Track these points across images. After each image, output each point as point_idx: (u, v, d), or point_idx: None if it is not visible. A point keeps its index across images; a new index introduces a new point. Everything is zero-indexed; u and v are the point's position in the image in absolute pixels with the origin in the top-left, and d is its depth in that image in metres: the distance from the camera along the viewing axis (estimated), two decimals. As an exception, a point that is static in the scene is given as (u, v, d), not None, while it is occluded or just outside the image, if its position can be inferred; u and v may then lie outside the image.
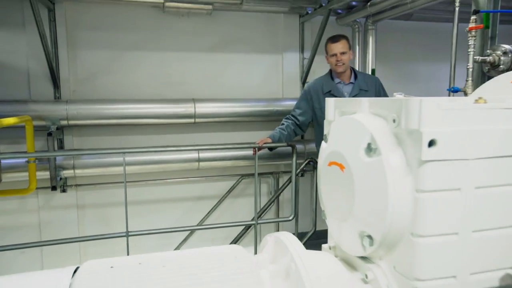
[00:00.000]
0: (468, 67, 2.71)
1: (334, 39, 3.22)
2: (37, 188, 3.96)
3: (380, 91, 3.34)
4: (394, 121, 1.22)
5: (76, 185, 4.43)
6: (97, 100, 4.25)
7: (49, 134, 3.83)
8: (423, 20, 5.15)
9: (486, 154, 1.18)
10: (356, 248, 1.36)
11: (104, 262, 1.25)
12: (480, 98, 1.22)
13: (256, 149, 3.29)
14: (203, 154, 4.42)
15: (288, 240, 1.38)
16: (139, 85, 4.49)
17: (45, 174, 3.95)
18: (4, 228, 4.17)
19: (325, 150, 1.53)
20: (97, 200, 4.51)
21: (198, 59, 4.65)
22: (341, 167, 1.38)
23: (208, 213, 4.82)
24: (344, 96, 3.15)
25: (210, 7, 4.30)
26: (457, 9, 2.91)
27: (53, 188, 3.97)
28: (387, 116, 1.26)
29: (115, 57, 4.44)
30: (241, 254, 1.36)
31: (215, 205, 4.83)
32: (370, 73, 5.06)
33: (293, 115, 3.52)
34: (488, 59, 2.69)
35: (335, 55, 3.19)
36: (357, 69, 3.95)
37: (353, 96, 3.13)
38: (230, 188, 4.86)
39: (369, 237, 1.28)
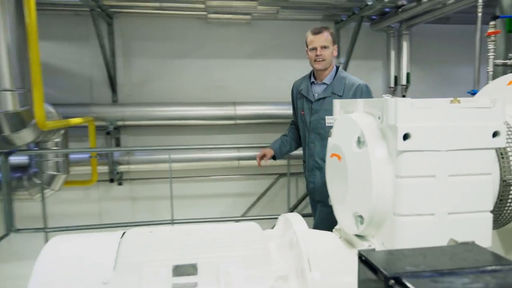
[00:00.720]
0: (488, 70, 2.79)
1: (316, 30, 2.66)
2: (98, 181, 4.48)
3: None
4: (379, 118, 1.44)
5: (130, 179, 4.92)
6: (148, 103, 4.71)
7: (108, 133, 4.32)
8: (461, 23, 5.13)
9: (457, 147, 1.36)
10: (352, 227, 1.59)
11: (145, 229, 1.57)
12: (455, 98, 1.41)
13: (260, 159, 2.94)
14: (243, 153, 4.73)
15: (294, 219, 1.63)
16: (185, 90, 4.90)
17: (105, 168, 4.46)
18: (71, 214, 4.72)
19: (329, 143, 1.76)
20: (147, 193, 4.96)
21: (238, 65, 4.98)
22: (339, 157, 1.61)
23: (248, 209, 5.12)
24: (312, 97, 2.69)
25: (249, 17, 4.62)
26: (479, 14, 3.00)
27: (111, 180, 4.47)
28: (375, 114, 1.48)
29: (164, 64, 4.88)
30: (255, 228, 1.63)
31: (254, 201, 5.13)
32: (404, 77, 5.13)
33: (292, 120, 3.14)
34: (509, 63, 2.76)
35: (315, 49, 2.62)
36: (343, 73, 2.78)
37: (321, 99, 2.65)
38: (269, 186, 5.13)
39: (360, 216, 1.50)
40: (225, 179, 5.07)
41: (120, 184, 4.86)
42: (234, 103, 4.75)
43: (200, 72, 4.93)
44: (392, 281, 0.86)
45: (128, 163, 4.58)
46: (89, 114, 4.35)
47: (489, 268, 0.89)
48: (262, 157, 2.92)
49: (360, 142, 1.48)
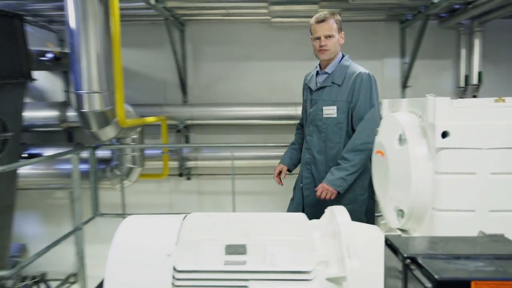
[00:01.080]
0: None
1: (319, 18, 2.44)
2: (169, 175, 4.89)
3: (357, 89, 2.41)
4: (420, 117, 1.50)
5: (198, 175, 5.28)
6: (215, 104, 5.03)
7: (178, 131, 4.71)
8: (542, 17, 4.76)
9: (499, 145, 1.38)
10: (393, 221, 1.66)
11: (204, 213, 1.79)
12: (500, 98, 1.43)
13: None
14: (303, 152, 4.85)
15: (339, 211, 1.74)
16: (248, 91, 5.14)
17: (175, 164, 4.85)
18: (146, 204, 5.18)
19: (375, 141, 1.84)
20: (213, 188, 5.28)
21: (300, 67, 5.09)
22: (382, 154, 1.69)
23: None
24: (315, 86, 2.54)
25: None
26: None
27: (180, 175, 4.85)
28: (417, 113, 1.54)
29: (230, 67, 5.16)
30: (302, 218, 1.77)
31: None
32: (476, 77, 4.88)
33: (298, 123, 2.90)
34: None
35: (319, 38, 2.42)
36: (346, 61, 2.54)
37: (320, 88, 2.49)
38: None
39: (401, 211, 1.57)
40: (286, 177, 5.21)
41: (188, 178, 5.24)
42: (295, 104, 4.88)
43: (263, 74, 5.14)
44: (408, 261, 0.95)
45: (195, 159, 4.93)
46: (162, 113, 4.76)
47: (506, 255, 0.94)
48: (279, 174, 2.77)
49: (401, 139, 1.55)
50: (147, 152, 4.64)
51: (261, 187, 5.27)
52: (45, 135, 5.11)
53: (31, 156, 4.45)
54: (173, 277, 1.49)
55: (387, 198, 1.67)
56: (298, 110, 4.82)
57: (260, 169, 5.13)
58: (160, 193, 5.29)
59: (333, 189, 2.34)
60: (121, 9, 3.48)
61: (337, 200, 2.35)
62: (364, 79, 2.38)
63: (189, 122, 4.91)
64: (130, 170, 4.28)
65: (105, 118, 3.39)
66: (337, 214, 1.71)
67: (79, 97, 3.35)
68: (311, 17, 4.64)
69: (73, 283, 4.98)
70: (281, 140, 5.07)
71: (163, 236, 1.61)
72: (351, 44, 5.04)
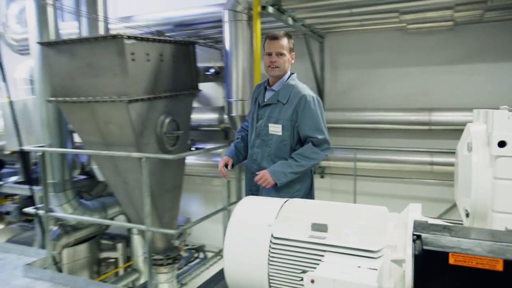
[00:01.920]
0: None
1: (274, 35, 2.50)
2: (303, 172, 5.43)
3: (300, 109, 2.46)
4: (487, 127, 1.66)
5: (331, 174, 5.69)
6: (349, 109, 5.34)
7: (312, 133, 5.20)
8: None
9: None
10: (464, 221, 1.82)
11: (301, 199, 2.25)
12: None
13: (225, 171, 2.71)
14: (437, 159, 4.77)
15: (413, 207, 1.98)
16: (382, 96, 5.29)
17: (308, 162, 5.36)
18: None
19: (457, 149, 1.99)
20: (344, 187, 5.60)
21: (438, 72, 4.99)
22: (457, 160, 1.86)
23: (441, 215, 5.07)
24: (262, 103, 2.59)
25: (451, 23, 4.60)
26: None
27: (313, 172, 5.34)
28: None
29: (365, 74, 5.40)
30: (381, 210, 2.06)
31: (449, 208, 5.03)
32: None
33: (245, 121, 2.93)
34: None
35: (270, 54, 2.48)
36: (293, 81, 2.57)
37: (266, 105, 2.54)
38: (467, 194, 4.93)
39: (466, 211, 1.74)
40: (416, 182, 5.17)
41: (322, 177, 5.70)
42: (430, 109, 4.82)
43: (398, 80, 5.21)
44: (414, 236, 1.25)
45: (328, 159, 5.35)
46: (300, 117, 5.33)
47: (495, 240, 1.14)
48: (225, 167, 2.69)
49: (469, 147, 1.72)
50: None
51: (391, 190, 5.35)
52: (208, 133, 6.28)
53: (197, 149, 5.60)
54: (271, 241, 2.01)
55: (458, 200, 1.84)
56: (433, 116, 4.76)
57: (391, 173, 5.22)
58: (297, 188, 5.88)
59: (272, 180, 2.41)
60: (264, 28, 4.18)
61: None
62: (308, 100, 2.46)
63: (323, 125, 5.35)
64: (269, 165, 4.98)
65: (244, 120, 4.14)
66: (411, 209, 1.96)
67: (229, 104, 4.19)
68: (451, 20, 4.57)
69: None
70: (413, 146, 5.07)
71: (267, 212, 2.14)
72: (500, 45, 4.69)
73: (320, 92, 5.54)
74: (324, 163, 5.42)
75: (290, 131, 2.45)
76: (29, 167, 4.90)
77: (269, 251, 2.00)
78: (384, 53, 5.27)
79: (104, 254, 6.20)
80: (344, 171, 5.51)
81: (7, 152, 5.41)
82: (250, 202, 2.31)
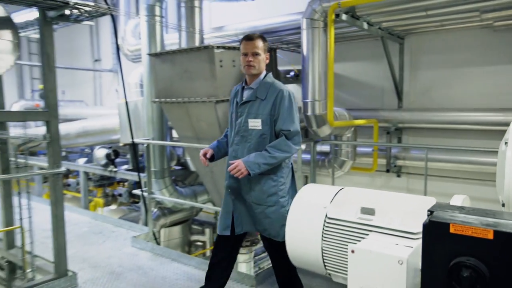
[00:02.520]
0: None
1: (249, 37, 2.67)
2: (377, 171, 5.57)
3: (277, 104, 2.62)
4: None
5: (408, 173, 5.71)
6: (428, 109, 5.33)
7: (388, 132, 5.32)
8: None
9: None
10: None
11: (356, 188, 2.55)
12: None
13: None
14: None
15: (456, 198, 2.17)
16: (464, 96, 5.17)
17: (383, 161, 5.49)
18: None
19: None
20: (421, 187, 5.57)
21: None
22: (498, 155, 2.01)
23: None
24: (240, 100, 2.71)
25: (541, 19, 4.36)
26: None
27: (387, 171, 5.45)
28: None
29: (447, 73, 5.33)
30: (426, 199, 2.28)
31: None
32: None
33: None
34: None
35: (246, 54, 2.63)
36: (269, 79, 2.71)
37: (246, 102, 2.68)
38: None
39: (502, 201, 1.91)
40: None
41: (398, 176, 5.75)
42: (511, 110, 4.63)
43: (481, 79, 5.06)
44: (428, 212, 1.52)
45: (404, 158, 5.41)
46: (377, 117, 5.47)
47: (500, 219, 1.36)
48: (205, 156, 2.83)
49: (506, 143, 1.88)
50: (361, 149, 5.48)
51: (473, 192, 5.20)
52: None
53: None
54: (325, 221, 2.36)
55: (498, 192, 1.99)
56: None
57: (471, 174, 5.09)
58: (372, 186, 6.00)
59: (245, 170, 2.52)
60: (338, 33, 4.46)
61: (263, 202, 2.68)
62: (284, 95, 2.61)
63: (400, 125, 5.42)
64: (343, 163, 5.24)
65: (321, 120, 4.48)
66: (452, 199, 2.15)
67: (305, 104, 4.56)
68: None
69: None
70: (491, 146, 4.87)
71: (324, 196, 2.49)
72: None
73: (398, 93, 5.60)
74: (400, 162, 5.48)
75: (269, 125, 2.60)
76: (137, 157, 5.83)
77: (323, 229, 2.35)
78: (467, 52, 5.14)
79: (194, 237, 7.01)
80: (421, 171, 5.50)
81: (121, 144, 6.47)
82: (310, 188, 2.68)
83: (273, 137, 2.63)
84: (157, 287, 3.70)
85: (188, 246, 6.88)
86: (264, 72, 2.71)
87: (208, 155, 2.80)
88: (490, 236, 1.28)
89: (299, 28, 4.64)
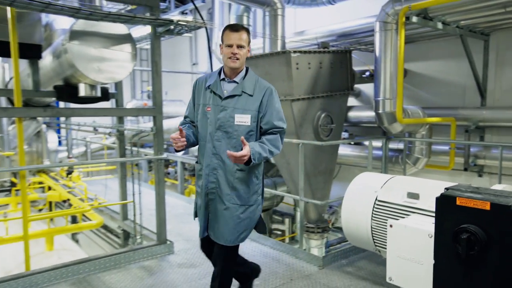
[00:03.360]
0: None
1: (234, 27, 2.46)
2: (455, 169, 5.52)
3: (266, 101, 2.45)
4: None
5: (490, 173, 5.55)
6: (512, 107, 5.15)
7: (466, 131, 5.26)
8: None
9: None
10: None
11: (405, 176, 2.83)
12: None
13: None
14: None
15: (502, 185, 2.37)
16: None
17: (461, 160, 5.42)
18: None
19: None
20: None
21: None
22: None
23: None
24: (222, 94, 2.46)
25: None
26: None
27: (465, 169, 5.38)
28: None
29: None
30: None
31: None
32: None
33: (185, 117, 2.73)
34: None
35: (231, 46, 2.42)
36: (253, 74, 2.52)
37: (230, 97, 2.44)
38: None
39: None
40: None
41: (480, 175, 5.61)
42: None
43: None
44: (445, 189, 1.82)
45: (484, 157, 5.29)
46: (457, 115, 5.42)
47: (499, 195, 1.64)
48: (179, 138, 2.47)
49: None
50: (438, 147, 5.49)
51: None
52: (368, 129, 6.88)
53: (355, 143, 6.34)
54: (375, 203, 2.71)
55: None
56: None
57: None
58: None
59: (247, 158, 2.29)
60: (410, 34, 4.59)
61: (245, 202, 2.46)
62: (273, 92, 2.50)
63: (482, 123, 5.31)
64: (417, 160, 5.32)
65: (392, 117, 4.69)
66: (495, 186, 2.35)
67: (376, 102, 4.81)
68: None
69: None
70: None
71: (376, 182, 2.83)
72: None
73: (481, 91, 5.47)
74: (481, 162, 5.36)
75: (257, 122, 2.46)
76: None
77: (373, 210, 2.70)
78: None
79: (275, 226, 7.58)
80: (504, 171, 5.32)
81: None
82: (365, 176, 3.03)
83: (259, 135, 2.49)
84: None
85: (268, 234, 7.47)
86: (244, 66, 2.53)
87: (184, 142, 2.45)
88: (488, 207, 1.56)
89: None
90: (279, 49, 5.53)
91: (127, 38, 4.37)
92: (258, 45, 6.53)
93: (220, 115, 2.46)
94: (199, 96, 2.57)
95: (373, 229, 2.69)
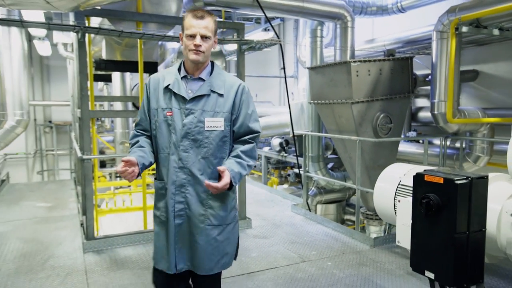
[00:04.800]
0: None
1: (198, 13, 2.00)
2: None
3: (239, 101, 2.10)
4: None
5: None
6: None
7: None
8: None
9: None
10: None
11: (428, 167, 3.44)
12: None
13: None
14: None
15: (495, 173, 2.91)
16: None
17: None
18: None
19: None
20: None
21: None
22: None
23: None
24: (187, 95, 2.05)
25: None
26: None
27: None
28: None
29: None
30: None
31: None
32: None
33: (136, 128, 2.24)
34: None
35: (194, 36, 1.99)
36: (219, 69, 2.16)
37: (198, 97, 2.04)
38: None
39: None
40: None
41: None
42: None
43: None
44: (424, 170, 2.52)
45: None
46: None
47: (453, 173, 2.30)
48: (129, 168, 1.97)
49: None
50: (501, 146, 5.66)
51: None
52: (437, 129, 7.16)
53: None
54: (397, 186, 3.38)
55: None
56: None
57: None
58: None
59: (228, 186, 1.97)
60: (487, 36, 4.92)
61: (223, 221, 2.10)
62: (246, 90, 2.15)
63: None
64: (477, 158, 5.59)
65: (445, 117, 5.12)
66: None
67: (432, 104, 5.27)
68: None
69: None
70: None
71: (402, 170, 3.48)
72: None
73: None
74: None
75: (230, 126, 2.10)
76: (300, 146, 7.48)
77: (396, 191, 3.38)
78: None
79: (347, 217, 8.25)
80: None
81: (290, 136, 8.26)
82: (395, 165, 3.70)
83: (232, 140, 2.13)
84: (301, 236, 5.19)
85: (341, 223, 8.17)
86: (209, 61, 2.15)
87: (136, 170, 1.97)
88: (441, 181, 2.25)
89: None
90: (348, 58, 6.25)
91: (218, 54, 5.53)
92: (330, 53, 7.29)
93: (186, 120, 2.03)
94: (156, 99, 2.10)
95: (395, 207, 3.38)
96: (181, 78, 2.09)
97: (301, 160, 6.50)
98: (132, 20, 4.55)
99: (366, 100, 5.30)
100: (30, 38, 9.56)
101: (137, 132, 2.19)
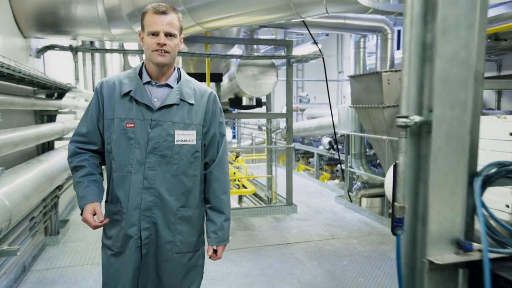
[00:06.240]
0: None
1: (160, 8, 1.72)
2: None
3: (210, 110, 1.87)
4: None
5: None
6: None
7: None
8: None
9: None
10: None
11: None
12: None
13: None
14: None
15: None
16: None
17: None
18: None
19: None
20: None
21: None
22: None
23: None
24: (152, 104, 1.77)
25: None
26: None
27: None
28: None
29: None
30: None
31: None
32: None
33: (76, 142, 1.86)
34: None
35: (157, 34, 1.72)
36: (186, 75, 1.91)
37: (167, 106, 1.78)
38: None
39: None
40: None
41: None
42: None
43: None
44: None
45: None
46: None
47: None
48: (95, 215, 1.76)
49: None
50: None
51: None
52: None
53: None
54: (402, 176, 4.19)
55: None
56: None
57: None
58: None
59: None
60: None
61: (192, 248, 1.86)
62: (216, 99, 1.92)
63: None
64: None
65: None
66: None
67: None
68: None
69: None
70: None
71: (408, 164, 4.27)
72: None
73: None
74: None
75: (202, 139, 1.85)
76: (348, 144, 8.28)
77: (401, 180, 4.18)
78: None
79: (391, 210, 8.83)
80: None
81: (338, 135, 9.07)
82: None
83: (203, 156, 1.88)
84: (337, 220, 6.08)
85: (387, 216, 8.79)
86: (175, 65, 1.88)
87: (100, 217, 1.73)
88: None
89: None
90: (388, 67, 6.95)
91: (271, 66, 6.58)
92: (372, 61, 8.01)
93: (152, 134, 1.76)
94: (111, 108, 1.79)
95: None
96: (144, 84, 1.80)
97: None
98: (201, 42, 5.82)
99: (397, 104, 6.02)
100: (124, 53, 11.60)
101: (78, 149, 1.83)
